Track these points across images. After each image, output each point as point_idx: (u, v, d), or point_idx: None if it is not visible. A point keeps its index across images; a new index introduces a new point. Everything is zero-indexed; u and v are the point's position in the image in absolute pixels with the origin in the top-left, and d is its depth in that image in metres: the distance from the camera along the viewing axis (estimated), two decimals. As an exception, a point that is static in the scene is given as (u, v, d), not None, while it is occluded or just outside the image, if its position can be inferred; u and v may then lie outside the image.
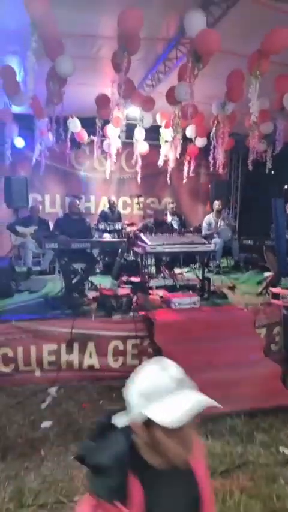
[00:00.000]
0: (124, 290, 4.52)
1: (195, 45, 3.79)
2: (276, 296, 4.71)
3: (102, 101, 5.22)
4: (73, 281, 4.76)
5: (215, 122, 5.43)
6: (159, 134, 6.80)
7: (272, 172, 7.65)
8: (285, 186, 8.86)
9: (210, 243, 5.22)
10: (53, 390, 3.52)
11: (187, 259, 6.92)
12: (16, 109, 5.57)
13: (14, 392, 3.48)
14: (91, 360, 3.87)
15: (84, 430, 2.90)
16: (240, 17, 3.92)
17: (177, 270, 6.16)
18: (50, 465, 2.49)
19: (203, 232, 7.09)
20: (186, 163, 7.17)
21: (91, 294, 4.82)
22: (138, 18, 3.48)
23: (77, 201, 5.77)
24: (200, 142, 7.09)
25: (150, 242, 4.78)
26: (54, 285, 5.26)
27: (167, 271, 6.03)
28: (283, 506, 2.18)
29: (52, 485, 2.29)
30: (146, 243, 4.81)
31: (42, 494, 2.22)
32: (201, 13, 3.68)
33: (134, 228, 7.03)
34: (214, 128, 5.52)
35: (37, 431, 2.87)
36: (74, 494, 2.23)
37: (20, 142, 7.35)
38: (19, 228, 6.64)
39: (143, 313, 4.12)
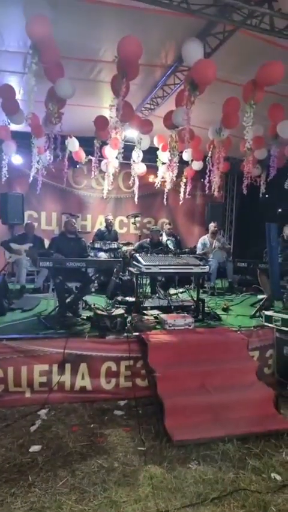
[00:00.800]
0: (119, 310, 4.49)
1: (192, 74, 3.92)
2: (269, 320, 4.72)
3: (101, 123, 5.33)
4: (67, 300, 4.74)
5: (211, 146, 5.56)
6: (156, 156, 6.93)
7: (266, 196, 7.82)
8: (279, 210, 9.02)
9: (205, 265, 5.26)
10: (43, 412, 3.44)
11: (182, 280, 6.97)
12: (14, 127, 5.67)
13: (2, 414, 3.39)
14: (83, 381, 3.80)
15: (73, 454, 2.83)
16: (236, 48, 4.09)
17: (172, 291, 6.17)
18: (37, 491, 2.40)
19: (197, 252, 7.15)
20: (182, 185, 7.31)
21: (85, 314, 4.80)
22: (138, 46, 3.61)
23: (74, 220, 5.79)
24: (197, 165, 7.24)
25: (145, 262, 4.80)
26: (48, 303, 5.23)
27: (162, 291, 6.03)
28: (275, 535, 2.14)
29: (39, 513, 2.22)
30: (141, 263, 4.83)
31: (29, 522, 2.16)
32: (198, 43, 3.83)
33: (130, 247, 7.08)
34: (210, 152, 5.65)
35: (25, 456, 2.78)
36: (61, 523, 2.17)
37: (17, 160, 7.45)
38: (13, 245, 6.64)
39: (137, 333, 4.10)
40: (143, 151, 6.45)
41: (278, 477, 2.67)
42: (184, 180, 7.39)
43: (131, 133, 6.20)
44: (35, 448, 2.89)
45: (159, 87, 5.30)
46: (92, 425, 3.27)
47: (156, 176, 7.15)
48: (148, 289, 6.17)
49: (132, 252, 5.94)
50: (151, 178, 7.65)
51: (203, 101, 5.15)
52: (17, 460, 2.73)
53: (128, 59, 3.71)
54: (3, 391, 3.61)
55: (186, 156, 7.00)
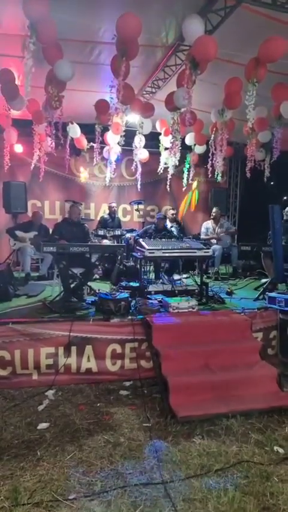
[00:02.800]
0: (123, 294, 4.52)
1: (193, 51, 3.88)
2: (272, 301, 4.73)
3: (102, 107, 5.30)
4: (71, 286, 4.78)
5: (214, 129, 5.52)
6: (159, 141, 6.88)
7: (272, 183, 7.75)
8: (284, 198, 8.93)
9: (209, 249, 5.26)
10: (50, 393, 3.51)
11: (186, 265, 6.98)
12: (15, 114, 5.65)
13: (11, 395, 3.47)
14: (89, 363, 3.86)
15: (81, 430, 2.90)
16: (237, 25, 4.03)
17: (176, 277, 6.20)
18: (46, 465, 2.48)
19: (201, 237, 7.16)
20: (185, 171, 7.27)
21: (90, 299, 4.84)
22: (137, 23, 3.58)
23: (80, 208, 5.78)
24: (199, 149, 7.17)
25: (148, 247, 4.82)
26: (53, 290, 5.28)
27: (166, 277, 6.06)
28: (276, 502, 2.19)
29: (48, 484, 2.29)
30: (144, 247, 4.84)
31: (37, 492, 2.22)
32: (199, 19, 3.78)
33: (134, 234, 7.09)
34: (213, 135, 5.60)
35: (33, 433, 2.86)
36: (69, 493, 2.23)
37: (19, 148, 7.44)
38: (18, 233, 6.67)
39: (141, 316, 4.14)
40: (146, 138, 6.41)
41: (281, 450, 2.73)
42: (188, 166, 7.36)
43: (133, 118, 6.16)
44: (43, 425, 2.97)
45: (160, 69, 5.24)
46: (98, 404, 3.34)
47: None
48: (152, 275, 6.20)
49: (136, 237, 5.95)
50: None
51: (205, 83, 5.10)
52: (26, 436, 2.81)
53: (127, 36, 3.67)
54: (11, 373, 3.68)
55: (189, 140, 6.93)
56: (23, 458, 2.55)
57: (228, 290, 5.65)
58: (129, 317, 4.12)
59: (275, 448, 2.74)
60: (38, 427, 2.94)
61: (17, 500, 2.14)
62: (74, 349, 3.84)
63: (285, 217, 6.67)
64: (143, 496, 2.23)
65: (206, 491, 2.28)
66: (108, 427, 2.97)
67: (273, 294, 4.71)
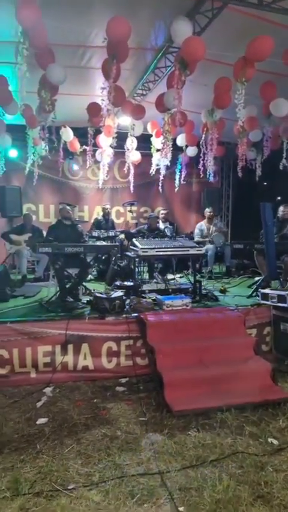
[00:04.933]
0: (117, 293, 4.59)
1: (181, 52, 3.97)
2: (265, 297, 4.81)
3: (94, 109, 5.37)
4: (67, 286, 4.84)
5: (205, 129, 5.61)
6: (150, 143, 6.98)
7: (265, 183, 7.85)
8: (278, 198, 9.03)
9: (202, 247, 5.34)
10: (48, 390, 3.57)
11: (180, 265, 7.05)
12: (9, 120, 5.72)
13: (10, 393, 3.52)
14: (85, 360, 3.92)
15: (79, 425, 2.97)
16: (225, 26, 4.12)
17: (169, 276, 6.27)
18: (45, 457, 2.54)
19: (195, 239, 7.24)
20: (177, 171, 7.35)
21: (85, 299, 4.90)
22: (126, 27, 3.66)
23: (68, 208, 5.88)
24: (191, 151, 7.27)
25: (141, 246, 4.90)
26: (49, 291, 5.33)
27: (159, 276, 6.13)
28: (270, 491, 2.25)
29: (47, 475, 2.35)
30: (137, 246, 4.92)
31: (37, 483, 2.28)
32: (187, 22, 3.88)
33: (130, 229, 7.16)
34: (204, 135, 5.70)
35: (33, 428, 2.92)
36: (69, 483, 2.30)
37: (13, 153, 7.51)
38: (13, 236, 6.78)
39: (135, 314, 4.20)
40: (137, 139, 6.50)
41: (275, 441, 2.79)
42: (179, 167, 7.45)
43: (124, 121, 6.25)
44: (41, 420, 3.03)
45: (150, 71, 5.33)
46: (95, 400, 3.41)
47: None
48: (146, 276, 6.27)
49: (131, 231, 5.99)
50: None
51: (195, 84, 5.19)
52: (25, 431, 2.88)
53: (117, 39, 3.76)
54: (9, 371, 3.74)
55: (180, 141, 7.04)
56: (23, 451, 2.61)
57: (222, 288, 5.73)
58: (124, 315, 4.19)
59: (269, 439, 2.80)
60: (37, 422, 3.00)
61: (18, 490, 2.21)
62: (70, 347, 3.90)
63: (278, 215, 6.76)
64: (140, 486, 2.30)
65: (202, 481, 2.35)
66: (105, 422, 3.04)
67: (266, 291, 4.79)
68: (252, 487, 2.29)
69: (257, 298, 5.05)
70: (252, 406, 3.23)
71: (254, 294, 5.29)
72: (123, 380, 3.86)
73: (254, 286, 5.49)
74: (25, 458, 2.53)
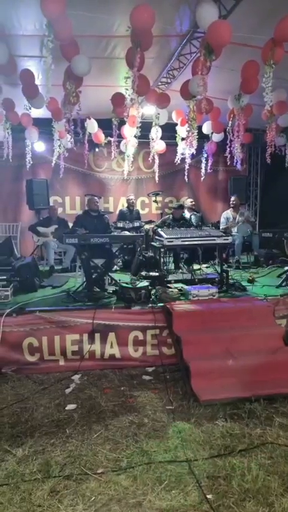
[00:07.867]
0: (143, 283, 4.60)
1: (207, 37, 3.86)
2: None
3: (118, 100, 5.35)
4: (93, 276, 4.90)
5: (231, 115, 5.47)
6: (175, 132, 6.88)
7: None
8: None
9: (228, 236, 5.25)
10: (76, 377, 3.65)
11: (206, 255, 6.96)
12: (35, 113, 5.80)
13: (39, 380, 3.63)
14: (112, 349, 3.97)
15: (107, 412, 3.02)
16: (252, 7, 3.96)
17: (196, 266, 6.22)
18: (74, 442, 2.61)
19: (221, 227, 7.12)
20: (203, 160, 7.21)
21: (111, 289, 4.95)
22: (150, 14, 3.60)
23: (96, 199, 5.94)
24: (217, 137, 7.12)
25: (167, 236, 4.87)
26: (76, 281, 5.43)
27: (185, 267, 6.09)
28: (301, 482, 2.21)
29: (77, 459, 2.41)
30: (163, 236, 4.90)
31: (67, 466, 2.35)
32: (213, 5, 3.76)
33: (152, 225, 7.14)
34: (230, 122, 5.56)
35: (62, 413, 3.00)
36: (97, 467, 2.35)
37: (40, 146, 7.63)
38: (40, 229, 6.97)
39: (161, 304, 4.20)
40: (162, 129, 6.42)
41: (306, 433, 2.73)
42: (205, 155, 7.31)
43: (149, 110, 6.18)
44: (70, 406, 3.11)
45: (175, 58, 5.23)
46: (122, 388, 3.45)
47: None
48: (172, 266, 6.24)
49: (155, 228, 6.00)
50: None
51: (222, 69, 5.06)
52: (55, 416, 2.97)
53: (141, 27, 3.70)
54: (39, 359, 3.86)
55: (206, 129, 6.90)
56: (53, 436, 2.69)
57: (250, 278, 5.62)
58: (150, 305, 4.20)
59: (300, 431, 2.75)
60: (66, 408, 3.09)
61: (49, 473, 2.28)
62: (97, 336, 3.96)
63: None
64: (167, 473, 2.32)
65: (230, 470, 2.33)
66: (132, 409, 3.07)
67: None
68: (282, 478, 2.25)
69: (287, 287, 4.94)
70: (282, 397, 3.18)
71: (284, 283, 5.17)
72: (150, 369, 3.88)
73: (284, 276, 5.36)
74: (55, 442, 2.61)
